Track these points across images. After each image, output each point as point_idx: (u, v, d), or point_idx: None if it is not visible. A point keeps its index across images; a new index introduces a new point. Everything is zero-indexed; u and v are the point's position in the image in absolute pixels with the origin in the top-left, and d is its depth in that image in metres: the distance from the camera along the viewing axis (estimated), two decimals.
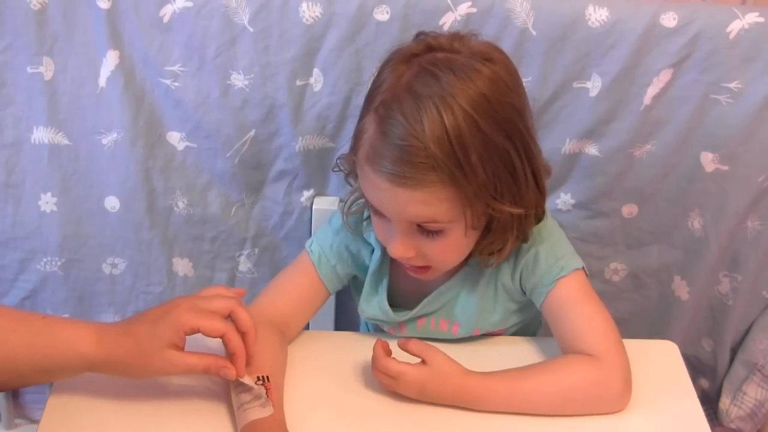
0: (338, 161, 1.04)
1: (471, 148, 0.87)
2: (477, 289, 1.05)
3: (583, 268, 1.02)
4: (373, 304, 1.08)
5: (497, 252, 0.99)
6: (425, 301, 1.06)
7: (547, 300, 1.01)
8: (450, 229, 0.93)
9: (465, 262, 1.03)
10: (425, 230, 0.93)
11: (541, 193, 0.97)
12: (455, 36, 0.93)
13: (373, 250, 1.07)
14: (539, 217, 1.00)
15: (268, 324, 1.02)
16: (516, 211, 0.93)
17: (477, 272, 1.04)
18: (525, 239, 1.00)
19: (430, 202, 0.90)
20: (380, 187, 0.91)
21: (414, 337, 1.00)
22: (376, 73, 0.95)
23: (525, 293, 1.04)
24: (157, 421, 0.94)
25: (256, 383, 0.93)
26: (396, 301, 1.07)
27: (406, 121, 0.87)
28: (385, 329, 1.11)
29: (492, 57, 0.91)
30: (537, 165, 0.95)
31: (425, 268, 0.99)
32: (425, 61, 0.90)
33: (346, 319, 1.34)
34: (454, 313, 1.06)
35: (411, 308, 1.07)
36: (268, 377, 0.94)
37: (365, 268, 1.08)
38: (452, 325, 1.07)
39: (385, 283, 1.07)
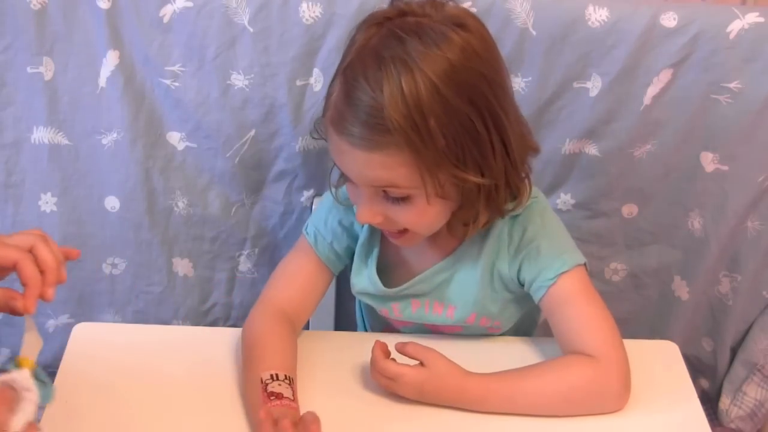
0: (315, 125, 1.01)
1: (429, 113, 0.86)
2: (471, 273, 1.04)
3: (584, 264, 1.02)
4: (363, 277, 1.07)
5: (472, 224, 0.97)
6: (417, 278, 1.05)
7: (548, 295, 1.00)
8: (414, 195, 0.92)
9: (459, 242, 1.03)
10: (390, 196, 0.93)
11: (513, 165, 0.94)
12: (430, 1, 0.92)
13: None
14: (514, 191, 0.97)
15: (280, 315, 1.02)
16: (480, 181, 0.92)
17: (472, 255, 1.03)
18: (500, 213, 0.98)
19: (388, 165, 0.89)
20: (342, 150, 0.91)
21: (412, 341, 1.00)
22: (351, 36, 0.95)
23: (522, 285, 1.03)
24: (156, 421, 0.94)
25: (284, 380, 0.93)
26: (389, 282, 1.06)
27: (367, 84, 0.87)
28: (378, 311, 1.09)
29: (465, 23, 0.90)
30: (508, 135, 0.92)
31: (402, 232, 0.98)
32: (395, 24, 0.90)
33: (346, 319, 1.33)
34: (448, 296, 1.05)
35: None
36: (292, 378, 0.94)
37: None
38: (447, 308, 1.06)
39: (374, 254, 1.06)
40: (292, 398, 0.92)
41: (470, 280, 1.04)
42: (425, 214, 0.94)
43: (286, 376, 0.93)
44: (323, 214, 1.08)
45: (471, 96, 0.88)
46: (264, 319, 1.02)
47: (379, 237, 1.06)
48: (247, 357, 0.99)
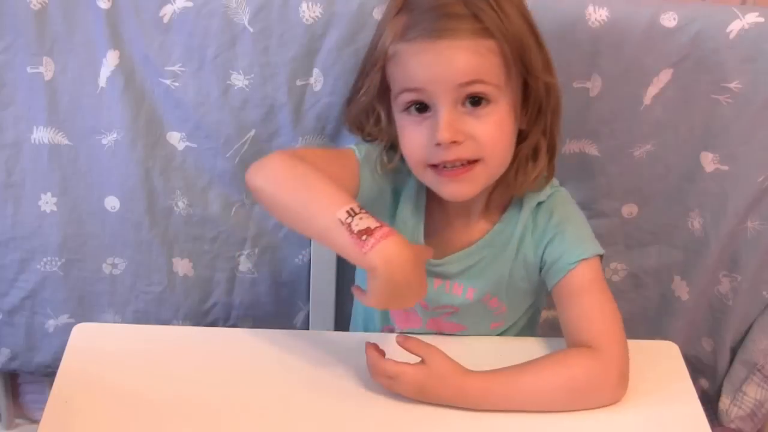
0: (353, 113, 1.05)
1: (506, 4, 0.93)
2: (500, 258, 1.06)
3: (601, 256, 1.04)
4: (407, 235, 1.04)
5: (532, 161, 1.01)
6: (450, 257, 1.07)
7: (565, 279, 1.02)
8: (496, 102, 0.95)
9: (492, 222, 1.06)
10: (472, 103, 0.94)
11: (555, 114, 1.02)
12: None
13: (398, 199, 1.07)
14: (552, 147, 1.04)
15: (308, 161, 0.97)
16: (548, 79, 0.97)
17: (502, 241, 1.06)
18: (550, 169, 1.04)
19: (478, 51, 0.92)
20: (421, 52, 0.92)
21: (413, 337, 1.00)
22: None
23: (541, 270, 1.05)
24: (157, 422, 0.95)
25: (360, 211, 0.88)
26: None
27: None
28: None
29: None
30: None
31: (468, 168, 0.97)
32: None
33: (346, 319, 1.33)
34: (472, 279, 1.07)
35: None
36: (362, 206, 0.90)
37: (390, 208, 1.08)
38: (466, 290, 1.08)
39: (420, 220, 1.07)
40: (380, 224, 0.88)
41: (496, 265, 1.06)
42: (501, 126, 0.96)
43: (359, 207, 0.89)
44: (377, 148, 1.07)
45: (528, 18, 0.98)
46: (298, 159, 0.95)
47: (423, 208, 1.07)
48: (300, 190, 0.93)
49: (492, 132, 0.96)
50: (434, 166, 0.98)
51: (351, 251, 0.87)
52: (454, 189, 0.99)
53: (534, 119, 1.01)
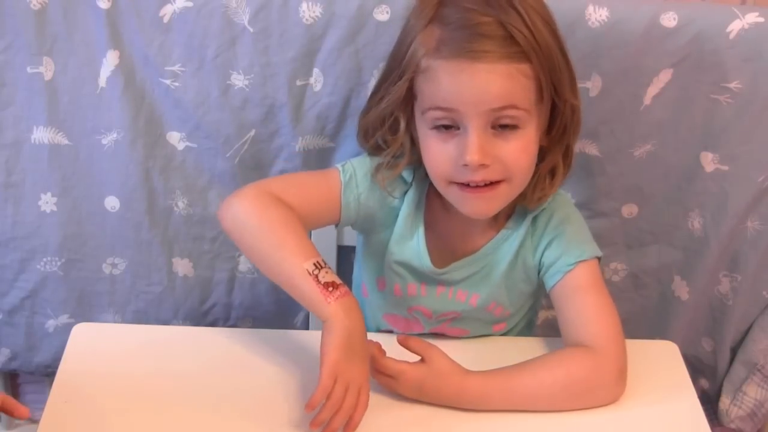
0: (370, 118, 1.03)
1: (539, 20, 0.93)
2: (501, 264, 1.06)
3: (600, 258, 1.04)
4: (406, 247, 1.06)
5: (549, 178, 1.02)
6: (453, 265, 1.06)
7: (563, 280, 1.02)
8: (525, 125, 0.94)
9: (497, 229, 1.05)
10: (501, 126, 0.94)
11: (575, 127, 1.02)
12: None
13: (396, 213, 1.06)
14: (569, 161, 1.04)
15: (283, 203, 0.98)
16: (574, 101, 0.97)
17: (504, 248, 1.06)
18: (559, 181, 1.03)
19: (512, 75, 0.91)
20: (455, 73, 0.91)
21: (414, 335, 1.00)
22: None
23: (539, 272, 1.06)
24: (157, 422, 0.95)
25: (325, 266, 0.92)
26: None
27: (472, 5, 0.91)
28: (404, 288, 1.09)
29: None
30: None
31: (492, 187, 0.97)
32: None
33: None
34: (476, 285, 1.07)
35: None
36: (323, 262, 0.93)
37: (384, 221, 1.07)
38: (470, 296, 1.08)
39: (420, 231, 1.06)
40: (341, 282, 0.92)
41: (498, 271, 1.06)
42: (528, 150, 0.96)
43: (324, 262, 0.93)
44: (367, 164, 1.06)
45: (557, 34, 0.96)
46: (269, 199, 0.98)
47: (422, 217, 1.06)
48: (267, 238, 0.96)
49: (519, 155, 0.96)
50: (458, 183, 0.99)
51: (316, 298, 0.92)
52: (477, 208, 1.00)
53: (557, 140, 1.01)
